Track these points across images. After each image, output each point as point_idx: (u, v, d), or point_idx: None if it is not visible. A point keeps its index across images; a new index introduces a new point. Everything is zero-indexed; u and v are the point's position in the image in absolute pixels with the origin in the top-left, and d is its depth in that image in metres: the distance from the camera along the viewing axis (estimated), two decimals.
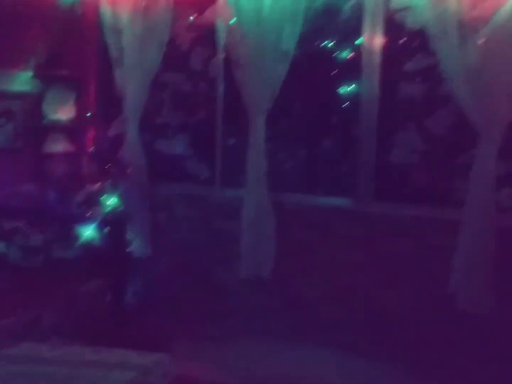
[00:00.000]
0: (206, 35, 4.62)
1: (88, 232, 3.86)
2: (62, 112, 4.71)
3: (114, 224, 4.15)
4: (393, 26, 4.07)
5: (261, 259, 4.36)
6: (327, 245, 4.28)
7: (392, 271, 4.08)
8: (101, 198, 4.33)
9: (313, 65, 4.47)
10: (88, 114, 4.76)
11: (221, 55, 4.55)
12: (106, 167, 4.46)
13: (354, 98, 4.27)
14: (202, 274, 4.67)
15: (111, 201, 4.35)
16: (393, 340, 4.06)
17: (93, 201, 4.31)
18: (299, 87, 4.48)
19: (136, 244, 4.68)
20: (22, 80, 4.53)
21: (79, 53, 4.77)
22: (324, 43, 4.44)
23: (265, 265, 4.36)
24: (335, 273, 4.26)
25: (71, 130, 4.76)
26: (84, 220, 3.99)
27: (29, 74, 4.57)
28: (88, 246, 3.75)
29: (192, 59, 4.73)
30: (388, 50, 4.09)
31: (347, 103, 4.41)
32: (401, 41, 4.14)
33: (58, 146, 4.70)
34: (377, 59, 4.10)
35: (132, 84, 4.62)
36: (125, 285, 4.10)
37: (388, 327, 4.08)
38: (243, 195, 4.35)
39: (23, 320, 3.04)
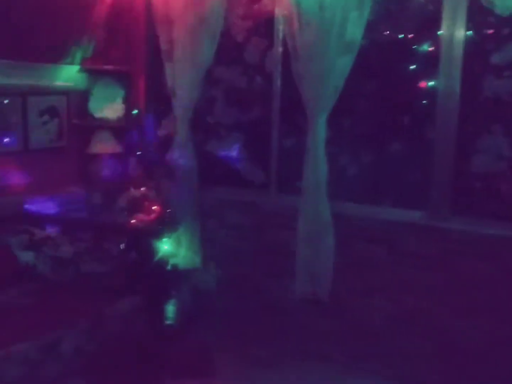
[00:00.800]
0: (263, 25, 4.19)
1: (127, 242, 3.52)
2: (109, 109, 4.40)
3: (155, 233, 3.79)
4: (477, 12, 3.49)
5: (317, 277, 3.89)
6: (393, 264, 3.75)
7: (468, 298, 3.50)
8: (146, 203, 3.99)
9: (382, 57, 3.92)
10: (135, 112, 4.42)
11: (279, 47, 4.10)
12: (153, 169, 4.11)
13: (431, 95, 3.70)
14: (253, 289, 4.25)
15: (156, 207, 4.01)
16: (467, 378, 3.49)
17: (136, 206, 3.97)
18: (366, 82, 3.95)
19: (184, 254, 4.31)
20: (67, 75, 4.23)
21: (128, 47, 4.45)
22: (395, 33, 3.89)
23: (322, 283, 3.89)
24: (401, 297, 3.73)
25: (118, 129, 4.44)
26: (125, 229, 3.66)
27: (74, 68, 4.28)
28: (124, 259, 3.40)
29: (248, 51, 4.30)
30: (472, 41, 3.52)
31: (422, 101, 3.85)
32: (487, 30, 3.58)
33: (104, 146, 4.39)
34: (458, 50, 3.53)
35: (183, 79, 4.24)
36: (164, 303, 3.72)
37: (462, 363, 3.51)
38: (300, 203, 3.90)
39: (39, 343, 2.71)
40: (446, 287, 3.57)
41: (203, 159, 4.39)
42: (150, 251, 3.54)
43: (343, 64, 3.68)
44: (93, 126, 4.39)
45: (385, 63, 3.91)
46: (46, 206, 4.08)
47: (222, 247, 4.35)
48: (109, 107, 4.40)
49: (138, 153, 4.26)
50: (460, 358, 3.53)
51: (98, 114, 4.39)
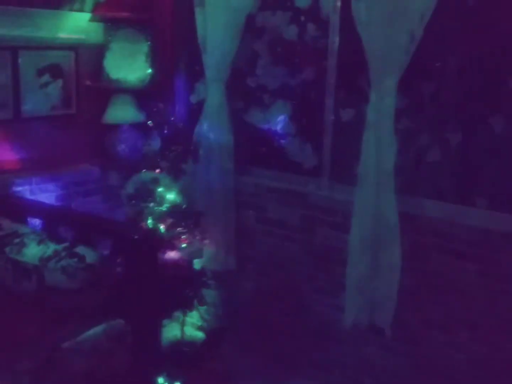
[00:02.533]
0: None
1: (113, 247, 2.67)
2: (129, 69, 3.53)
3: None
4: None
5: (377, 299, 2.86)
6: (485, 289, 2.66)
7: None
8: (160, 190, 3.12)
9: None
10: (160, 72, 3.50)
11: None
12: (171, 146, 3.22)
13: None
14: (296, 303, 3.29)
15: (172, 195, 3.13)
16: None
17: (147, 193, 3.12)
18: (453, 33, 2.80)
19: (213, 254, 3.43)
20: (76, 25, 3.39)
21: None
22: None
23: (383, 308, 2.86)
24: (497, 337, 2.64)
25: (140, 94, 3.58)
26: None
27: (85, 16, 3.42)
28: (107, 271, 2.54)
29: None
30: None
31: None
32: None
33: (123, 114, 3.55)
34: None
35: (215, 29, 3.26)
36: (158, 328, 2.84)
37: None
38: (356, 197, 2.87)
39: None
40: None
41: (240, 133, 3.44)
42: (152, 262, 2.66)
43: (422, 7, 2.59)
44: (109, 89, 3.55)
45: (480, 6, 2.73)
46: (43, 189, 3.34)
47: (261, 247, 3.42)
48: (129, 65, 3.52)
49: (163, 123, 3.36)
50: None
51: (115, 75, 3.52)
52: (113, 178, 3.61)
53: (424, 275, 2.84)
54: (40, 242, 2.55)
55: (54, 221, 2.81)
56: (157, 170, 3.19)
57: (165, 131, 3.21)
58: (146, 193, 3.10)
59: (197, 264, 3.36)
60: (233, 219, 3.46)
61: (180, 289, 3.16)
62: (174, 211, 3.14)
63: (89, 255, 2.48)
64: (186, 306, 3.22)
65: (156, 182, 3.08)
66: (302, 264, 3.26)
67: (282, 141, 3.41)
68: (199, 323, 3.39)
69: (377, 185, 2.80)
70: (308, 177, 3.28)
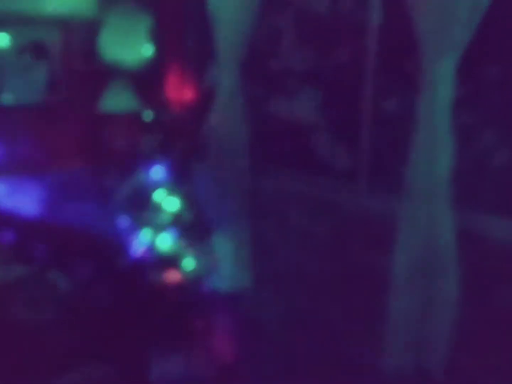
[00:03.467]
0: None
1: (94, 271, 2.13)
2: (128, 49, 2.98)
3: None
4: None
5: (426, 340, 2.29)
6: None
7: None
8: (157, 195, 2.58)
9: None
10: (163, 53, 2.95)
11: None
12: (178, 141, 2.68)
13: None
14: (324, 335, 2.73)
15: (173, 202, 2.59)
16: None
17: (143, 200, 2.58)
18: None
19: (224, 272, 2.88)
20: None
21: None
22: None
23: (434, 351, 2.29)
24: None
25: (141, 79, 3.03)
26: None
27: None
28: (83, 302, 1.99)
29: None
30: None
31: None
32: None
33: (121, 103, 3.02)
34: None
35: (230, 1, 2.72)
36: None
37: None
38: (401, 209, 2.30)
39: None
40: None
41: (258, 126, 2.87)
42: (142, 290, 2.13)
43: None
44: (104, 73, 3.01)
45: None
46: (22, 192, 2.82)
47: (282, 264, 2.86)
48: (127, 45, 2.99)
49: (164, 114, 2.82)
50: None
51: (111, 56, 3.00)
52: (109, 179, 3.09)
53: (486, 309, 2.26)
54: (4, 263, 2.04)
55: (24, 237, 2.29)
56: (157, 171, 2.66)
57: (167, 123, 2.67)
58: (142, 200, 2.56)
59: (205, 284, 2.82)
60: (248, 230, 2.92)
61: (183, 317, 2.63)
62: (177, 221, 2.60)
63: (63, 282, 1.96)
64: (191, 336, 2.69)
65: (154, 186, 2.54)
66: (332, 288, 2.70)
67: (310, 137, 2.83)
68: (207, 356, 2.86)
69: (428, 195, 2.26)
70: (340, 181, 2.71)
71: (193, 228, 2.66)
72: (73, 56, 2.95)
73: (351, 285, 2.63)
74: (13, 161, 2.80)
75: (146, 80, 3.04)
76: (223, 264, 2.90)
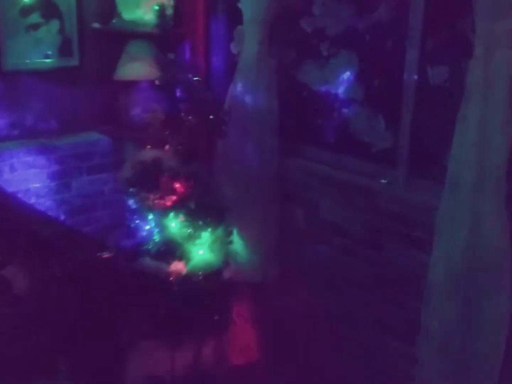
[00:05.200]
0: None
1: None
2: (148, 6, 2.64)
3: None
4: None
5: (472, 358, 1.86)
6: None
7: None
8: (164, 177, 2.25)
9: None
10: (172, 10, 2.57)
11: None
12: (193, 114, 2.32)
13: None
14: (353, 338, 2.36)
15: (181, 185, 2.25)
16: None
17: (148, 179, 2.26)
18: None
19: (245, 262, 2.53)
20: None
21: None
22: None
23: (480, 372, 1.87)
24: None
25: (163, 40, 2.69)
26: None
27: None
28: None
29: None
30: None
31: None
32: None
33: (141, 67, 2.69)
34: None
35: None
36: None
37: None
38: (443, 203, 1.87)
39: None
40: None
41: (287, 97, 2.48)
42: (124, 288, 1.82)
43: None
44: (122, 34, 2.69)
45: None
46: (31, 164, 2.57)
47: (310, 257, 2.49)
48: (148, 2, 2.65)
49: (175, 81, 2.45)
50: None
51: (130, 15, 2.66)
52: (128, 150, 2.81)
53: None
54: None
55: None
56: (166, 147, 2.33)
57: (178, 93, 2.31)
58: (147, 179, 2.25)
59: (222, 275, 2.50)
60: (275, 216, 2.55)
61: (193, 311, 2.33)
62: (186, 205, 2.27)
63: (20, 281, 1.68)
64: (202, 333, 2.39)
65: (158, 164, 2.22)
66: (363, 287, 2.31)
67: (344, 111, 2.39)
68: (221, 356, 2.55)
69: (477, 189, 1.80)
70: (377, 164, 2.27)
71: (207, 213, 2.33)
72: (88, 15, 2.63)
73: (385, 285, 2.22)
74: (20, 129, 2.57)
75: (169, 42, 2.70)
76: (247, 253, 2.57)
